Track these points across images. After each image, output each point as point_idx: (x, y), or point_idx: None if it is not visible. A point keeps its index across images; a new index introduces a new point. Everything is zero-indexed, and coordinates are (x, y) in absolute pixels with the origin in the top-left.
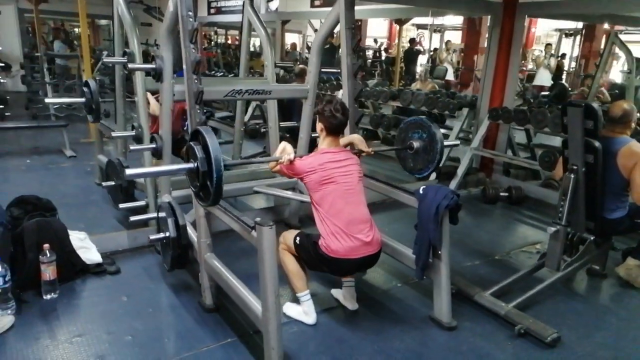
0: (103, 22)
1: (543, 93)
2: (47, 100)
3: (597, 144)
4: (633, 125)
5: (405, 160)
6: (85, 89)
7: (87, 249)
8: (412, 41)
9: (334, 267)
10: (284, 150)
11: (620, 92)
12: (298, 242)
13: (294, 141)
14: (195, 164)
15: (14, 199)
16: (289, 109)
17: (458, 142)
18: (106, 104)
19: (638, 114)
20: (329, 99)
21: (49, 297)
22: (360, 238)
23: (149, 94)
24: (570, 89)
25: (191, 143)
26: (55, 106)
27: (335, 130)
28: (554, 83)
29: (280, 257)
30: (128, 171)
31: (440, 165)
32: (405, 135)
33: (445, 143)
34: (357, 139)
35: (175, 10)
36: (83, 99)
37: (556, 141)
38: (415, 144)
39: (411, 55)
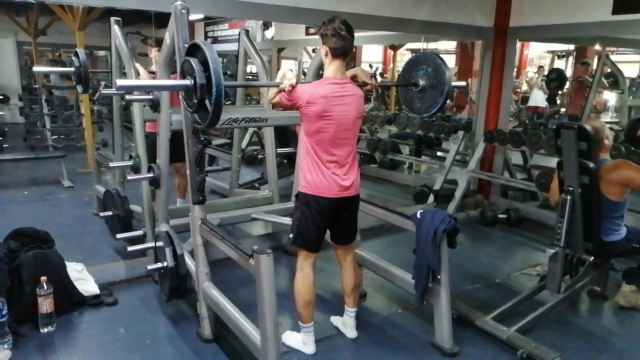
0: (101, 52)
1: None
2: (34, 68)
3: (591, 165)
4: (607, 142)
5: (411, 101)
6: (74, 59)
7: (84, 280)
8: None
9: (319, 207)
10: (285, 76)
11: (614, 80)
12: (291, 237)
13: (291, 167)
14: (192, 80)
15: (11, 232)
16: (285, 135)
17: (464, 83)
18: (104, 133)
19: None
20: (331, 17)
21: (46, 330)
22: (338, 180)
23: (138, 66)
24: (564, 111)
25: (187, 57)
26: (53, 136)
27: (341, 52)
28: (551, 69)
29: (297, 281)
30: (119, 81)
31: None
32: (408, 76)
33: (454, 84)
34: (360, 70)
35: (172, 42)
36: (73, 69)
37: (553, 162)
38: (421, 81)
39: None
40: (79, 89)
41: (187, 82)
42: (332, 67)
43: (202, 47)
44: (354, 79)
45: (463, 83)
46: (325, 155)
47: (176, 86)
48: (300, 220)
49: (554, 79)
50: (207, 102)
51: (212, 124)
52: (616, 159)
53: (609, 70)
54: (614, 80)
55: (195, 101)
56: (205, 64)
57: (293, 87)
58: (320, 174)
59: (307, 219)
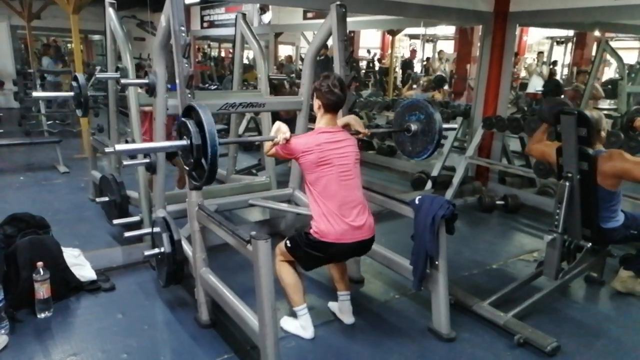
0: (96, 37)
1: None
2: (34, 94)
3: (591, 151)
4: (603, 134)
5: (404, 144)
6: (74, 83)
7: (81, 265)
8: (413, 52)
9: (327, 252)
10: (279, 129)
11: (613, 88)
12: (289, 245)
13: None
14: (189, 141)
15: (7, 217)
16: (282, 121)
17: (457, 125)
18: (100, 119)
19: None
20: (326, 74)
21: (43, 315)
22: (350, 222)
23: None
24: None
25: (183, 119)
26: (48, 122)
27: (333, 107)
28: (547, 80)
29: (277, 269)
30: (118, 146)
31: (437, 151)
32: (401, 119)
33: (445, 126)
34: (353, 119)
35: (167, 25)
36: (72, 93)
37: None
38: (413, 127)
39: (409, 65)
40: (78, 112)
41: (184, 142)
42: (324, 120)
43: (196, 109)
44: (346, 127)
45: (455, 126)
46: (333, 201)
47: (173, 147)
48: (309, 252)
49: (551, 89)
50: (203, 161)
51: (209, 182)
52: (610, 150)
53: (606, 77)
54: (613, 90)
55: (192, 160)
56: (200, 125)
57: (287, 140)
58: (333, 222)
59: (311, 255)
